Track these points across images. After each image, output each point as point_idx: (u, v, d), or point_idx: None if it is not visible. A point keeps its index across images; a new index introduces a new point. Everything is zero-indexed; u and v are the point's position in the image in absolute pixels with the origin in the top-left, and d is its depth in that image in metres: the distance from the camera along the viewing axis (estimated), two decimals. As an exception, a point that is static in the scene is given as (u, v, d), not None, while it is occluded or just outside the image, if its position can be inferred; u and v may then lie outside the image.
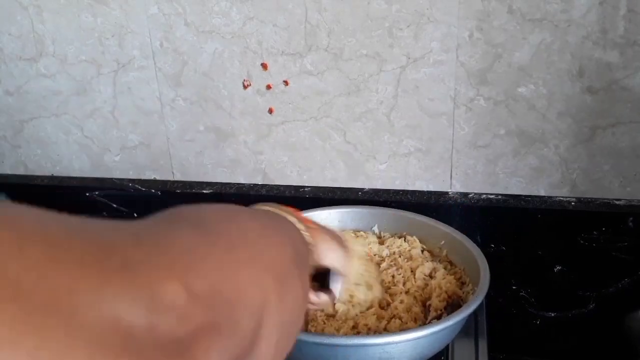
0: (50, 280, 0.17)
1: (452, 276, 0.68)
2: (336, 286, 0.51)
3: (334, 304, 0.58)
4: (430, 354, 0.58)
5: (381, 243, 0.75)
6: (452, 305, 0.64)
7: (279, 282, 0.30)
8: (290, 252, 0.34)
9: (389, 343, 0.53)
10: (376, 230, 0.78)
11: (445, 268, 0.70)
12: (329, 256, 0.49)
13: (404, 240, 0.75)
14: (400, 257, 0.72)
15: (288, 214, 0.43)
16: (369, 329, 0.59)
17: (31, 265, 0.17)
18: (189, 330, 0.21)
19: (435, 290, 0.65)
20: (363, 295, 0.61)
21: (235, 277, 0.26)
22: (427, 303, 0.64)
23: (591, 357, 0.81)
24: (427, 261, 0.70)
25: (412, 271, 0.69)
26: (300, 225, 0.42)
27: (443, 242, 0.73)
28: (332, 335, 0.57)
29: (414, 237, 0.75)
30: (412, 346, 0.54)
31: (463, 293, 0.66)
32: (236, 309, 0.25)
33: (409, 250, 0.72)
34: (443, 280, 0.67)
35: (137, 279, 0.20)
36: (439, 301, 0.64)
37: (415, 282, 0.67)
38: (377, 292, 0.62)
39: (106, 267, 0.19)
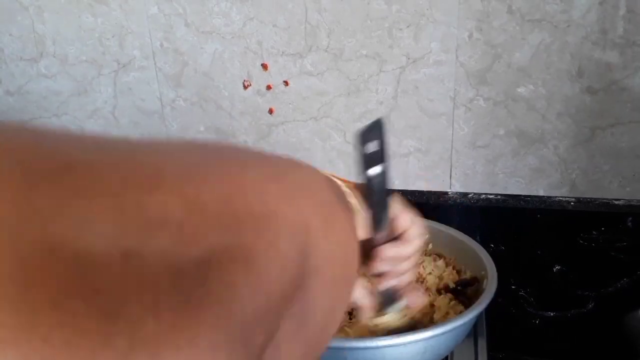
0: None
1: (451, 267, 0.69)
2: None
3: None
4: (445, 352, 0.58)
5: None
6: (465, 283, 0.65)
7: (320, 205, 0.24)
8: (331, 188, 0.27)
9: (393, 345, 0.52)
10: None
11: (435, 261, 0.70)
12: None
13: None
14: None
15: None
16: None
17: None
18: (195, 255, 0.16)
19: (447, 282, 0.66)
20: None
21: (261, 189, 0.20)
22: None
23: (590, 357, 0.81)
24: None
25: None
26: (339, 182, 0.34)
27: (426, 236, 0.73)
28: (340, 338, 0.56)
29: None
30: (422, 348, 0.53)
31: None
32: (269, 226, 0.19)
33: None
34: (445, 273, 0.67)
35: (114, 199, 0.15)
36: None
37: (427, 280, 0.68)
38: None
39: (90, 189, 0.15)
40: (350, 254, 0.27)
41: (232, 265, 0.17)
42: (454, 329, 0.53)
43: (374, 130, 0.38)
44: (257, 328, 0.18)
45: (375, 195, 0.40)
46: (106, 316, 0.14)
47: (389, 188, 0.41)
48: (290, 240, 0.20)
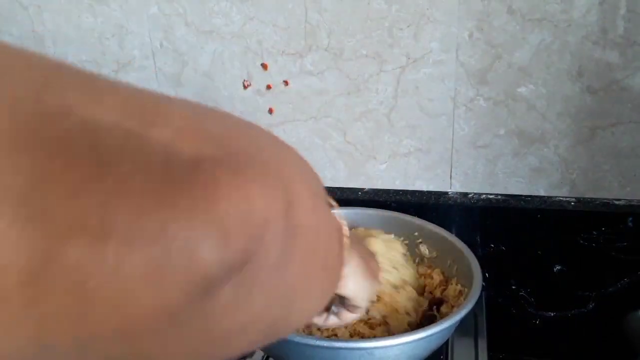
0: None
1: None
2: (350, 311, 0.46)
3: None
4: (423, 356, 0.58)
5: None
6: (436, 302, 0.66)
7: (311, 189, 0.26)
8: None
9: (376, 347, 0.52)
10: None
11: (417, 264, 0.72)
12: (349, 286, 0.38)
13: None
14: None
15: None
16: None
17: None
18: (189, 152, 0.19)
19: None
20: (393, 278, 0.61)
21: (261, 144, 0.24)
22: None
23: (591, 357, 0.81)
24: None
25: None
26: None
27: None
28: (317, 337, 0.56)
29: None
30: (400, 351, 0.54)
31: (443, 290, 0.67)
32: (262, 162, 0.22)
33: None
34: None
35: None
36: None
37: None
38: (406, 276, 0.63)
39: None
40: (334, 245, 0.28)
41: (219, 169, 0.19)
42: (433, 334, 0.54)
43: None
44: (236, 235, 0.19)
45: None
46: (98, 167, 0.16)
47: None
48: (277, 182, 0.22)
